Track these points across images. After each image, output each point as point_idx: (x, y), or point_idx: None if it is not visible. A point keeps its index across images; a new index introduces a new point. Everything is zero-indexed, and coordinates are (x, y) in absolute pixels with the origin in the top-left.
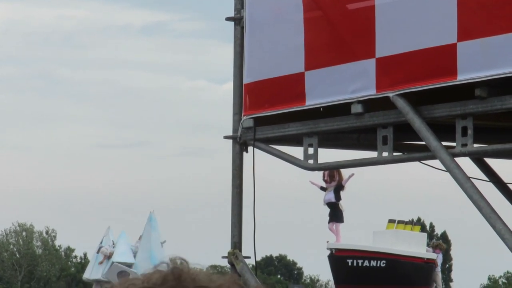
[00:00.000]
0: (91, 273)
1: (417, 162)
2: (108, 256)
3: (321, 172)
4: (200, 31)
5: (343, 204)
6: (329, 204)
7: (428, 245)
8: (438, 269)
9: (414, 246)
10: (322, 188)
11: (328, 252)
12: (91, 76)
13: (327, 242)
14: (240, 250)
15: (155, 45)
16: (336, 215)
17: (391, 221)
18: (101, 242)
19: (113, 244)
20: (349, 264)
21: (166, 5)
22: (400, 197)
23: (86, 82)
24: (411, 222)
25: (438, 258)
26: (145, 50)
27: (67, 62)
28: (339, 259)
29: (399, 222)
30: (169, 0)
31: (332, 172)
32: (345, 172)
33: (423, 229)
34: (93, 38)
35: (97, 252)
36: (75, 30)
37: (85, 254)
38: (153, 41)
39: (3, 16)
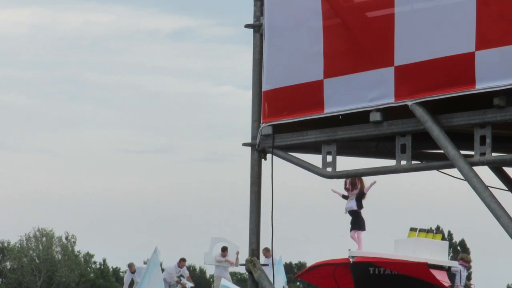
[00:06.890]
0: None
1: (435, 171)
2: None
3: (342, 180)
4: (227, 37)
5: (364, 212)
6: (351, 212)
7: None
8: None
9: (436, 254)
10: (344, 197)
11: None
12: (118, 81)
13: (349, 250)
14: (258, 258)
15: (182, 51)
16: (357, 223)
17: (412, 229)
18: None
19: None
20: (371, 272)
21: (194, 10)
22: (418, 205)
23: (112, 87)
24: (432, 231)
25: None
26: (172, 56)
27: (94, 66)
28: (361, 267)
29: (421, 230)
30: (196, 5)
31: (354, 180)
32: (366, 180)
33: (443, 237)
34: (120, 43)
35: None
36: (102, 35)
37: (104, 260)
38: (180, 46)
39: (32, 20)
